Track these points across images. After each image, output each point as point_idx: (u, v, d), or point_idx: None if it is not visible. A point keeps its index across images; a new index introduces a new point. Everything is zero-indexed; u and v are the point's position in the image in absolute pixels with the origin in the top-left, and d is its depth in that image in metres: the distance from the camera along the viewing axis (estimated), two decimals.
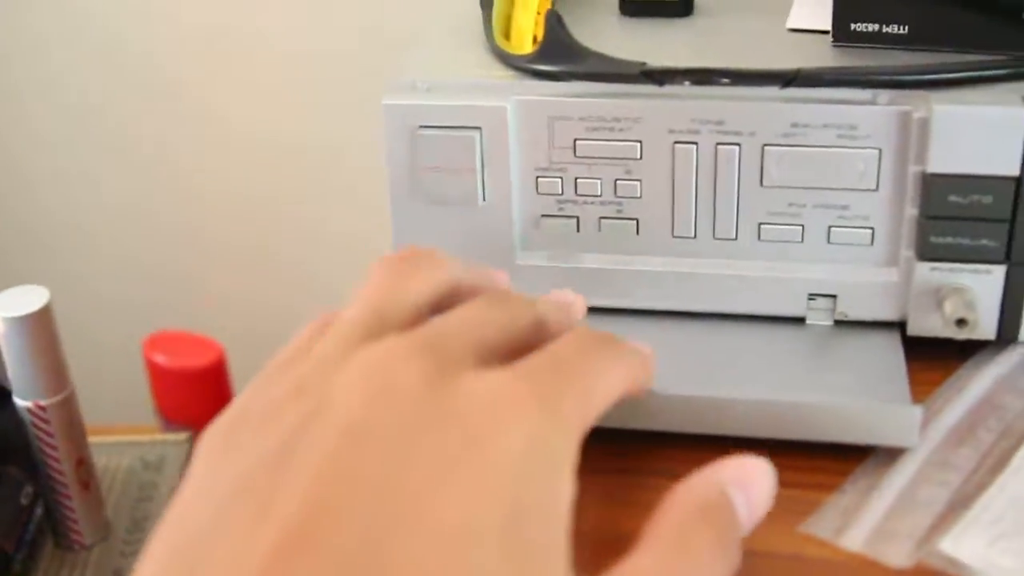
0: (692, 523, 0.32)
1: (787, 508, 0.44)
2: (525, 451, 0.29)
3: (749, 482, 0.34)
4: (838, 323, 0.53)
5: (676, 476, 0.45)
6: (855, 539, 0.43)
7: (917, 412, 0.46)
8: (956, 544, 0.42)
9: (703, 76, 0.51)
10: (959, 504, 0.44)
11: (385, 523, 0.26)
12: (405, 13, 0.96)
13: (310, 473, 0.28)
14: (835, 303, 0.52)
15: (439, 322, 0.34)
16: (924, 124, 0.49)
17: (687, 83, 0.51)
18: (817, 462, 0.47)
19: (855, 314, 0.52)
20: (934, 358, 0.52)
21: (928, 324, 0.52)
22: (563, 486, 0.29)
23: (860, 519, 0.44)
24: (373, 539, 0.26)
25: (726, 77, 0.50)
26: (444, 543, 0.26)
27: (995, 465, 0.46)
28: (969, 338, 0.51)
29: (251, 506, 0.27)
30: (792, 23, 0.58)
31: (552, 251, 0.54)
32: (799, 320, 0.53)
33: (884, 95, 0.50)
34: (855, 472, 0.46)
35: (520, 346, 0.33)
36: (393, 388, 0.29)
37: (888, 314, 0.52)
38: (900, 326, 0.52)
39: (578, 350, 0.33)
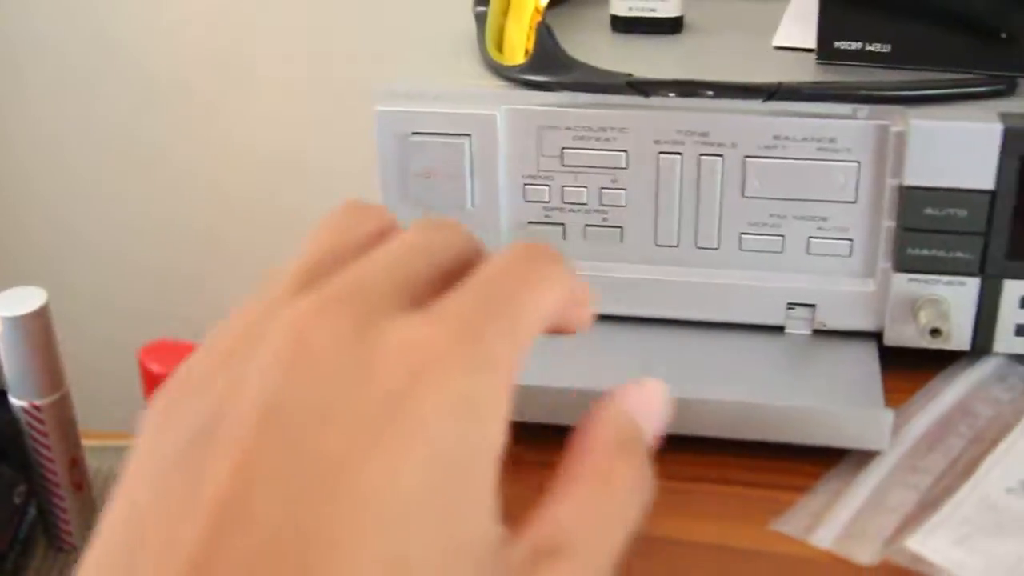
0: (611, 461, 0.31)
1: (761, 507, 0.45)
2: (447, 404, 0.28)
3: (651, 407, 0.33)
4: (816, 332, 0.54)
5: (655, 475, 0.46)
6: (824, 538, 0.44)
7: (888, 416, 0.47)
8: (923, 543, 0.43)
9: (688, 88, 0.52)
10: (928, 506, 0.45)
11: (310, 495, 0.26)
12: (403, 25, 0.98)
13: (235, 449, 0.27)
14: (814, 313, 0.53)
15: (362, 265, 0.32)
16: (902, 138, 0.50)
17: (672, 95, 0.52)
18: (792, 464, 0.48)
19: (833, 324, 0.54)
20: (911, 367, 0.53)
21: (904, 334, 0.53)
22: (491, 434, 0.28)
23: (830, 519, 0.45)
24: (298, 513, 0.26)
25: (710, 90, 0.52)
26: (370, 511, 0.26)
27: (965, 470, 0.47)
28: (944, 348, 0.52)
29: (183, 484, 0.28)
30: (778, 41, 0.59)
31: None
32: (778, 329, 0.54)
33: (864, 110, 0.51)
34: (828, 474, 0.47)
35: (457, 272, 0.31)
36: (308, 353, 0.29)
37: (865, 324, 0.53)
38: (877, 336, 0.53)
39: (507, 274, 0.31)
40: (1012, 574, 0.42)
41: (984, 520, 0.45)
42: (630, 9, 0.61)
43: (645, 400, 0.33)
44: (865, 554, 0.43)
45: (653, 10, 0.60)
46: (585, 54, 0.55)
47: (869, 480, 0.47)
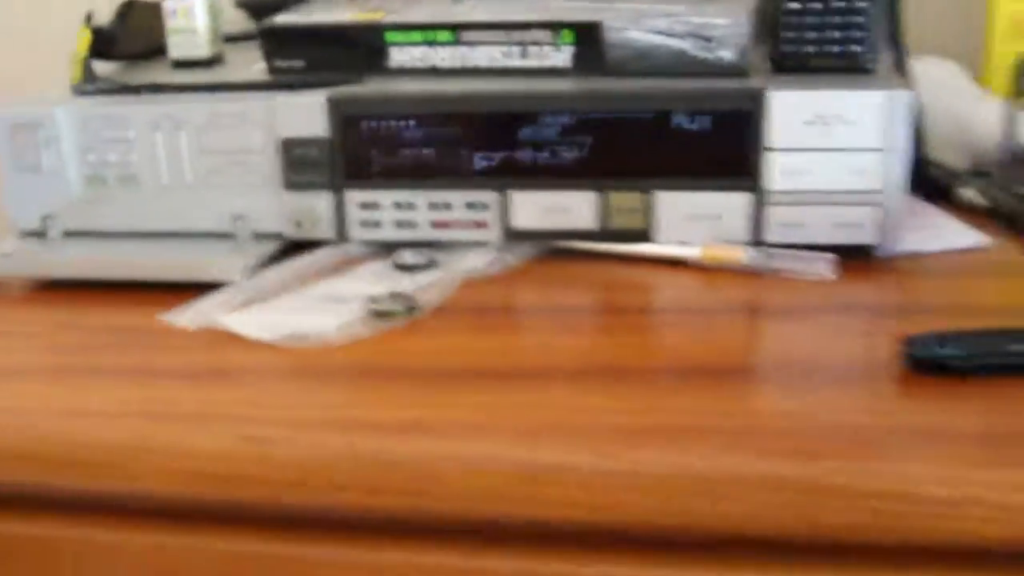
0: None
1: (162, 308, 0.79)
2: None
3: None
4: (257, 236, 0.88)
5: None
6: (183, 319, 0.77)
7: (239, 260, 0.82)
8: (223, 314, 0.77)
9: (156, 88, 0.88)
10: (251, 303, 0.79)
11: None
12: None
13: None
14: (249, 222, 0.88)
15: None
16: (276, 109, 0.85)
17: (149, 91, 0.88)
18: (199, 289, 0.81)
19: (261, 228, 0.88)
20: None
21: (297, 232, 0.87)
22: None
23: (191, 310, 0.78)
24: None
25: (164, 90, 0.87)
26: None
27: (295, 287, 0.81)
28: (320, 238, 0.86)
29: None
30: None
31: None
32: (232, 235, 0.88)
33: (257, 96, 0.86)
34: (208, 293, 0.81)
35: None
36: None
37: (279, 228, 0.87)
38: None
39: None
40: (270, 329, 0.74)
41: (286, 307, 0.78)
42: (178, 54, 0.97)
43: None
44: (194, 323, 0.77)
45: (192, 54, 0.97)
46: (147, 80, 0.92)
47: (224, 294, 0.80)
